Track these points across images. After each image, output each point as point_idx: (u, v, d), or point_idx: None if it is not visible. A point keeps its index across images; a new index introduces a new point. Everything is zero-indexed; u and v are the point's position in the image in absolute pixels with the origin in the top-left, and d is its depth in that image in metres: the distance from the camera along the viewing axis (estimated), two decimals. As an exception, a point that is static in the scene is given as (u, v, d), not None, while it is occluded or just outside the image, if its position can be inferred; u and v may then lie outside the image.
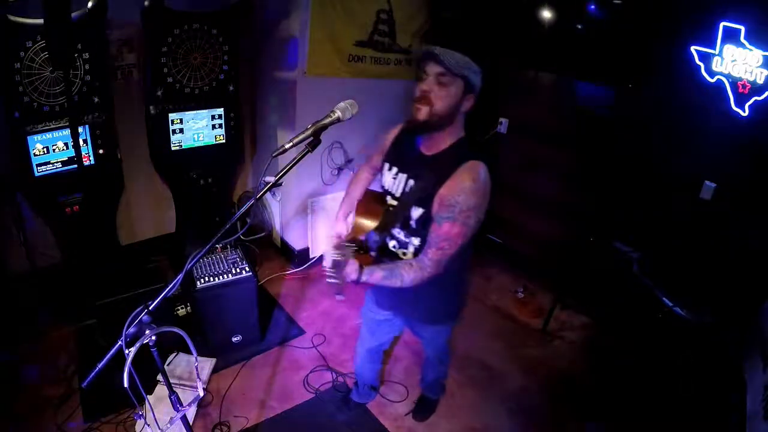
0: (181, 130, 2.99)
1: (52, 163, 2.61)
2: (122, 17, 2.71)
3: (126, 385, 1.26)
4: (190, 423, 2.11)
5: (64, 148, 2.61)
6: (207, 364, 2.63)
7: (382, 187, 1.69)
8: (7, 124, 2.43)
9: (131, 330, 1.29)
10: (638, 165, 2.98)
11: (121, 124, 2.89)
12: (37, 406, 2.32)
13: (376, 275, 1.51)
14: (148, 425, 1.60)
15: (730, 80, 2.48)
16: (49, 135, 2.55)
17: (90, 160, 2.73)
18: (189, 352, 1.47)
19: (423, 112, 1.43)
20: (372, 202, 1.74)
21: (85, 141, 2.67)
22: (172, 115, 2.92)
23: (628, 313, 3.00)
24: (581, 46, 3.13)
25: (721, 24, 2.43)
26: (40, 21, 2.24)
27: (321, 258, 3.53)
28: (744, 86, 2.43)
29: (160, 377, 2.20)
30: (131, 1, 2.60)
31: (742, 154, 2.54)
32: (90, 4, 2.43)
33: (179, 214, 3.42)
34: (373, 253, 1.66)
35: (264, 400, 2.51)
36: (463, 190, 1.42)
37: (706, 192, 2.71)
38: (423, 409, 2.52)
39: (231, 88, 3.10)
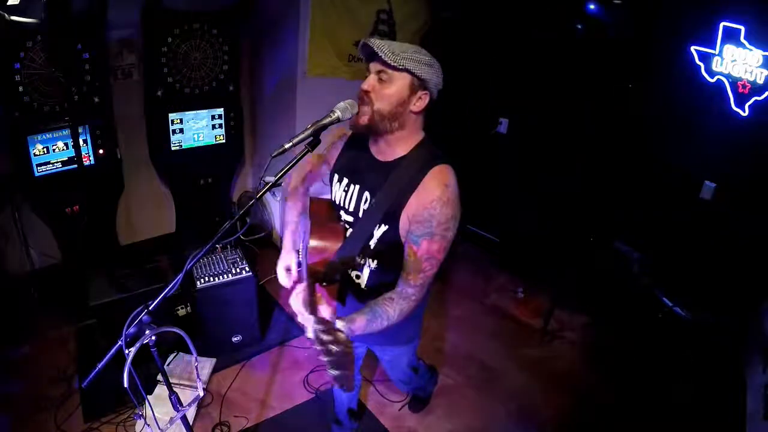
0: (181, 130, 2.99)
1: (52, 164, 2.61)
2: (122, 17, 2.70)
3: (126, 385, 1.26)
4: (190, 423, 2.11)
5: (64, 148, 2.61)
6: (207, 364, 2.63)
7: (333, 202, 1.50)
8: (7, 124, 2.43)
9: (131, 330, 1.29)
10: (638, 165, 2.98)
11: (121, 124, 2.90)
12: (37, 406, 2.32)
13: (359, 324, 1.26)
14: (148, 425, 1.60)
15: (730, 80, 2.48)
16: (49, 135, 2.55)
17: (90, 160, 2.73)
18: (189, 352, 1.47)
19: (364, 115, 1.26)
20: (327, 220, 1.48)
21: (85, 141, 2.67)
22: (172, 115, 2.92)
23: (628, 313, 3.00)
24: (581, 45, 3.13)
25: (721, 24, 2.43)
26: (40, 21, 2.24)
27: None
28: (744, 86, 2.43)
29: (160, 377, 2.20)
30: (131, 1, 2.60)
31: (742, 154, 2.54)
32: (90, 4, 2.43)
33: (179, 214, 3.42)
34: (338, 277, 1.44)
35: (264, 400, 2.51)
36: (435, 201, 1.25)
37: (706, 192, 2.71)
38: (415, 403, 2.54)
39: (231, 88, 3.11)
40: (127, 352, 1.26)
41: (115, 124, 2.83)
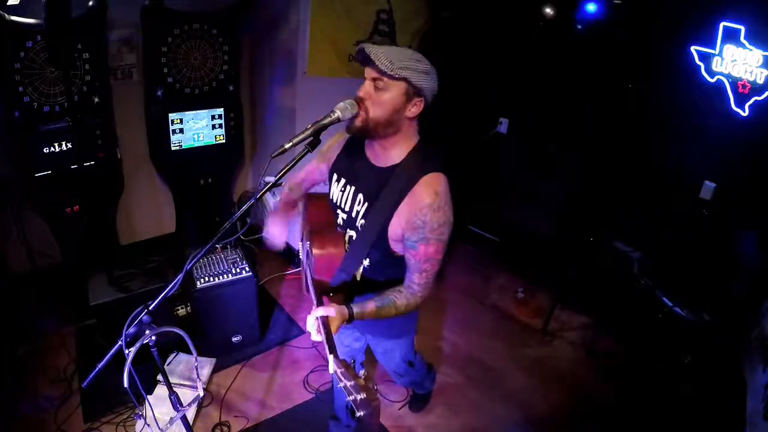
0: (181, 130, 2.99)
1: (52, 164, 2.60)
2: (122, 17, 2.70)
3: (126, 385, 1.26)
4: (190, 423, 2.11)
5: (65, 148, 2.61)
6: (207, 364, 2.62)
7: (331, 200, 1.54)
8: (7, 124, 2.43)
9: (131, 330, 1.29)
10: (638, 165, 2.98)
11: (121, 124, 2.90)
12: (37, 406, 2.32)
13: (370, 309, 1.33)
14: (148, 425, 1.60)
15: (730, 80, 2.48)
16: (49, 135, 2.54)
17: (90, 160, 2.73)
18: (189, 352, 1.47)
19: (359, 120, 1.27)
20: (326, 226, 1.51)
21: (87, 141, 2.67)
22: (172, 115, 2.92)
23: (628, 313, 3.00)
24: (581, 45, 3.13)
25: (721, 24, 2.43)
26: (40, 21, 2.24)
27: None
28: (744, 86, 2.43)
29: (160, 377, 2.20)
30: (131, 1, 2.60)
31: (742, 154, 2.54)
32: (90, 4, 2.43)
33: (179, 214, 3.42)
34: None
35: (264, 400, 2.51)
36: (425, 208, 1.28)
37: (706, 192, 2.71)
38: (415, 402, 2.53)
39: (231, 88, 3.11)
40: (127, 352, 1.27)
41: (115, 124, 2.83)
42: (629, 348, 3.01)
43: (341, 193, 1.48)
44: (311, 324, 1.25)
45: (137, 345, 1.29)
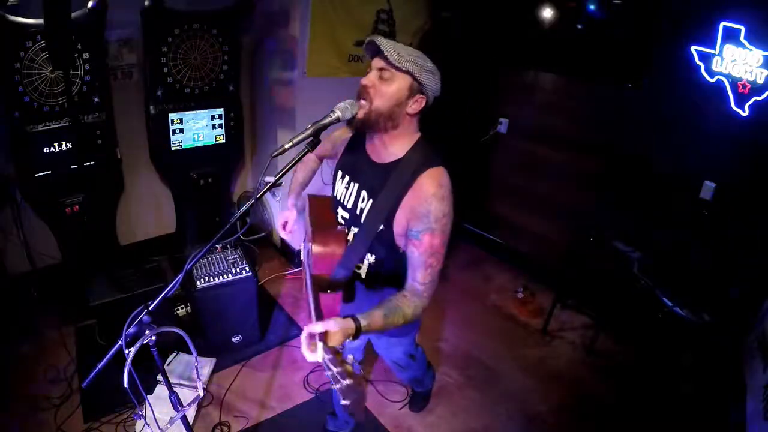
0: (181, 130, 2.99)
1: (52, 164, 2.60)
2: (122, 17, 2.70)
3: (126, 385, 1.26)
4: (190, 423, 2.11)
5: (65, 148, 2.61)
6: (207, 364, 2.63)
7: (334, 197, 1.55)
8: (7, 124, 2.43)
9: (131, 330, 1.29)
10: (638, 165, 2.98)
11: (121, 124, 2.89)
12: (37, 406, 2.32)
13: (376, 319, 1.26)
14: (148, 425, 1.60)
15: (730, 80, 2.48)
16: (49, 135, 2.55)
17: (90, 160, 2.73)
18: (189, 352, 1.47)
19: (362, 109, 1.29)
20: (328, 224, 1.50)
21: (87, 141, 2.67)
22: (172, 115, 2.92)
23: (628, 313, 3.00)
24: (581, 45, 3.13)
25: (721, 24, 2.43)
26: (40, 21, 2.24)
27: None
28: (744, 86, 2.43)
29: (160, 377, 2.20)
30: (131, 1, 2.60)
31: (742, 154, 2.54)
32: (90, 4, 2.43)
33: (179, 214, 3.42)
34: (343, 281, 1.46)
35: (264, 400, 2.51)
36: (431, 197, 1.29)
37: (706, 192, 2.71)
38: (415, 401, 2.53)
39: (231, 88, 3.11)
40: (127, 352, 1.27)
41: (115, 124, 2.83)
42: (629, 348, 3.01)
43: (345, 189, 1.49)
44: (305, 341, 1.14)
45: (137, 345, 1.29)
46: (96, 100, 2.67)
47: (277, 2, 3.10)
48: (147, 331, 1.30)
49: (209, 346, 2.68)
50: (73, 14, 2.31)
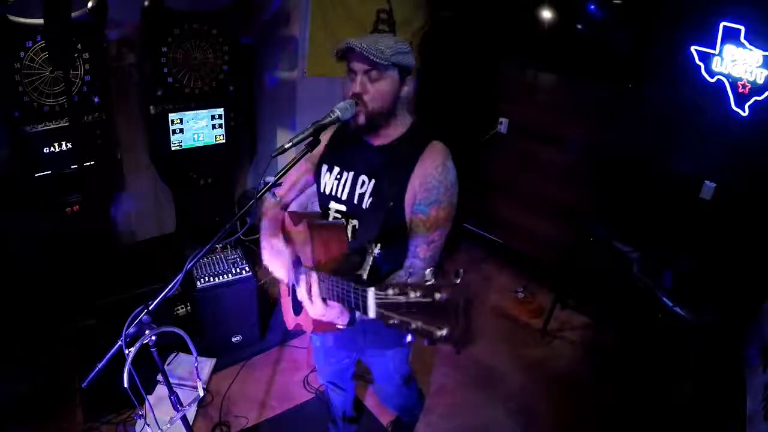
0: (181, 130, 2.99)
1: (52, 164, 2.60)
2: (122, 17, 2.70)
3: (126, 385, 1.26)
4: (190, 423, 2.11)
5: (64, 148, 2.61)
6: (207, 364, 2.63)
7: (322, 193, 1.48)
8: (7, 124, 2.43)
9: (131, 330, 1.29)
10: (638, 165, 2.98)
11: (121, 124, 2.90)
12: (38, 406, 2.32)
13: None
14: (148, 425, 1.60)
15: (730, 80, 2.48)
16: (49, 135, 2.54)
17: (90, 160, 2.73)
18: (189, 352, 1.46)
19: (361, 115, 1.28)
20: (325, 226, 1.38)
21: (87, 141, 2.67)
22: (172, 115, 2.92)
23: (628, 313, 3.00)
24: (581, 45, 3.13)
25: (721, 24, 2.43)
26: (40, 21, 2.24)
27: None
28: (744, 86, 2.43)
29: (160, 377, 2.20)
30: (131, 1, 2.60)
31: (742, 154, 2.54)
32: (90, 4, 2.43)
33: (179, 214, 3.42)
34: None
35: (264, 400, 2.51)
36: (440, 166, 1.29)
37: (706, 192, 2.71)
38: (398, 429, 2.38)
39: (231, 88, 3.11)
40: (127, 352, 1.27)
41: (115, 124, 2.83)
42: (629, 348, 3.01)
43: (336, 181, 1.44)
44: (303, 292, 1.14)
45: (137, 345, 1.29)
46: (96, 100, 2.66)
47: (277, 2, 3.10)
48: (147, 331, 1.30)
49: (209, 346, 2.68)
50: (73, 14, 2.32)
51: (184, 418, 1.57)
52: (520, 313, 3.37)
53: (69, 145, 2.61)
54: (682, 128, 2.76)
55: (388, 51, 1.23)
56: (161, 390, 2.37)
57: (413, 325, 0.76)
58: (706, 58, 2.53)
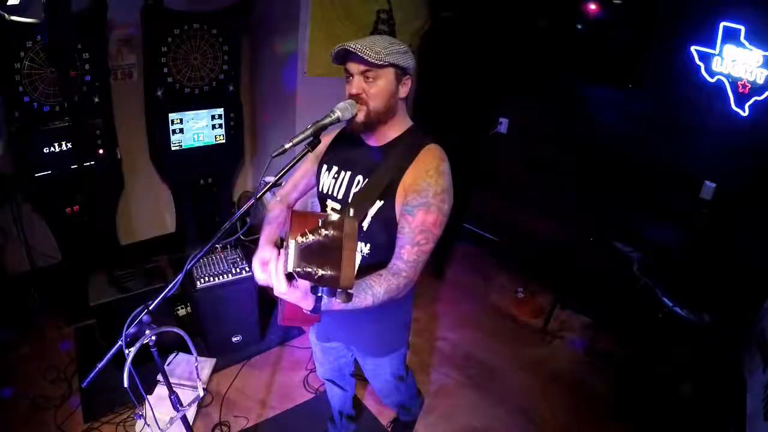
0: (181, 130, 2.99)
1: (52, 164, 2.60)
2: (122, 17, 2.70)
3: (126, 385, 1.26)
4: (190, 423, 2.11)
5: (64, 147, 2.61)
6: (207, 364, 2.63)
7: (321, 192, 1.50)
8: (7, 124, 2.43)
9: (131, 330, 1.29)
10: (638, 164, 2.98)
11: (121, 124, 2.90)
12: (37, 406, 2.32)
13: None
14: (148, 425, 1.59)
15: (730, 80, 2.47)
16: (49, 135, 2.54)
17: (90, 160, 2.73)
18: (189, 352, 1.46)
19: (361, 115, 1.30)
20: (308, 220, 1.30)
21: (87, 141, 2.67)
22: (172, 115, 2.93)
23: (628, 313, 3.00)
24: (581, 45, 3.13)
25: (721, 24, 2.43)
26: (40, 21, 2.24)
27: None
28: (744, 86, 2.43)
29: (160, 377, 2.20)
30: (131, 1, 2.60)
31: (742, 154, 2.54)
32: (90, 4, 2.43)
33: (179, 214, 3.42)
34: None
35: (264, 400, 2.51)
36: (432, 170, 1.28)
37: (706, 192, 2.71)
38: (399, 429, 2.38)
39: (231, 88, 3.11)
40: (127, 352, 1.27)
41: (115, 124, 2.83)
42: (629, 348, 3.01)
43: (333, 180, 1.46)
44: (258, 269, 1.21)
45: (137, 345, 1.29)
46: (96, 100, 2.67)
47: (277, 2, 3.10)
48: (147, 331, 1.30)
49: (209, 346, 2.68)
50: (73, 14, 2.31)
51: (184, 418, 1.57)
52: (520, 313, 3.37)
53: (69, 145, 2.61)
54: (682, 128, 2.76)
55: (383, 51, 1.25)
56: (161, 390, 2.37)
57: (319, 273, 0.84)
58: (706, 58, 2.53)
